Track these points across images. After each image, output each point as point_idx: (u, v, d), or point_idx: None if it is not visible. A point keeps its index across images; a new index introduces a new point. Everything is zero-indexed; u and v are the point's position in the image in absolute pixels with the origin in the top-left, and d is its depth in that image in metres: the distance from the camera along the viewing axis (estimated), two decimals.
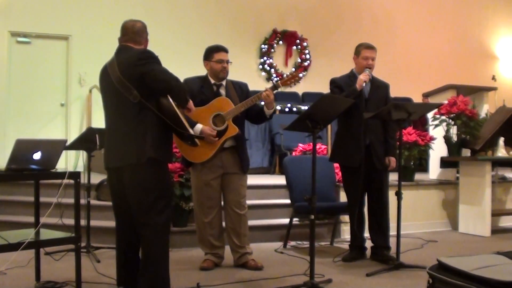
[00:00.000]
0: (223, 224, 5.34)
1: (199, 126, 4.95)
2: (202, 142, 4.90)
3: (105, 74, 4.05)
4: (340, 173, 6.81)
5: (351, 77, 5.56)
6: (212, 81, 5.18)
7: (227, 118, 4.99)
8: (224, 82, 5.21)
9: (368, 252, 5.70)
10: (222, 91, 5.18)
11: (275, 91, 5.05)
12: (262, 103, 5.10)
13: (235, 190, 5.17)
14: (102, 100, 4.16)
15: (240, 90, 5.27)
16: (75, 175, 3.89)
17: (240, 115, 5.07)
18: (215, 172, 5.10)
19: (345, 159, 5.52)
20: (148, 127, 3.89)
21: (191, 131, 4.01)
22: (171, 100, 3.94)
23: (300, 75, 12.10)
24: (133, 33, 4.10)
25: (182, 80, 5.17)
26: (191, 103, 4.20)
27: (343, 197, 6.78)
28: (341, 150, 5.56)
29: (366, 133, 5.44)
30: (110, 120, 4.10)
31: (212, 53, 5.17)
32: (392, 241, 5.46)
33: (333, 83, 5.57)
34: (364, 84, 5.38)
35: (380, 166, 5.48)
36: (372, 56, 5.52)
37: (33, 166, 3.81)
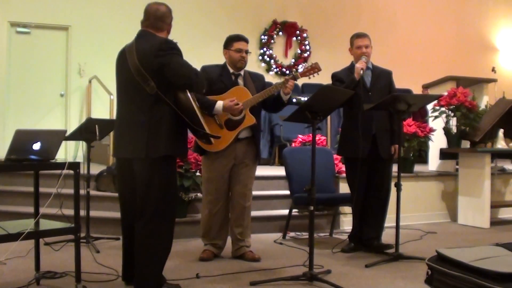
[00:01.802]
0: (227, 214, 5.31)
1: (220, 103, 4.91)
2: (219, 131, 4.92)
3: (123, 58, 3.95)
4: (339, 164, 6.83)
5: (351, 69, 5.52)
6: (231, 70, 5.17)
7: (244, 107, 4.97)
8: (242, 72, 5.20)
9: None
10: (240, 81, 5.17)
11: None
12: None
13: (242, 182, 5.16)
14: (117, 84, 4.08)
15: (257, 81, 5.27)
16: (74, 165, 3.88)
17: (256, 105, 5.06)
18: (227, 163, 5.08)
19: (352, 151, 5.41)
20: (162, 121, 3.83)
21: (207, 129, 3.94)
22: (189, 95, 3.87)
23: (300, 66, 12.09)
24: (155, 19, 4.00)
25: (199, 68, 5.21)
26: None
27: (342, 188, 6.79)
28: (347, 142, 5.50)
29: (372, 123, 5.41)
30: (123, 107, 4.03)
31: (232, 42, 5.15)
32: (391, 233, 5.47)
33: (334, 77, 5.56)
34: (361, 72, 5.33)
35: (385, 155, 5.46)
36: (365, 43, 5.49)
37: (33, 157, 3.80)
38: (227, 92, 5.02)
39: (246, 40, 5.20)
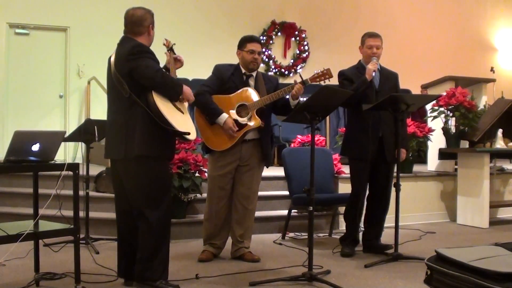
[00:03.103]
0: (230, 215, 5.28)
1: (224, 116, 4.93)
2: (223, 132, 4.94)
3: (109, 64, 4.12)
4: (338, 165, 6.82)
5: (359, 68, 5.48)
6: (243, 71, 5.16)
7: (251, 109, 4.96)
8: (254, 74, 5.18)
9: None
10: (252, 82, 5.15)
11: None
12: (287, 96, 5.07)
13: (246, 184, 5.14)
14: (107, 89, 4.29)
15: (270, 83, 5.24)
16: (73, 166, 3.89)
17: (265, 107, 5.03)
18: (230, 163, 5.08)
19: (358, 151, 5.37)
20: (137, 122, 3.96)
21: (176, 127, 3.98)
22: (155, 96, 3.95)
23: (299, 66, 12.09)
24: (131, 24, 4.10)
25: (213, 66, 5.22)
26: (187, 93, 4.18)
27: (341, 189, 6.78)
28: (353, 143, 5.43)
29: (379, 125, 5.38)
30: (109, 110, 4.21)
31: (245, 42, 5.14)
32: (391, 233, 5.46)
33: (342, 75, 5.48)
34: (373, 74, 5.30)
35: (390, 158, 5.42)
36: (376, 44, 5.43)
37: (32, 158, 3.81)
38: (235, 93, 5.03)
39: (259, 42, 5.20)
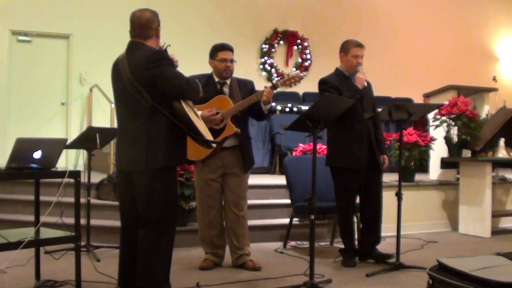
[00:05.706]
0: (224, 224, 5.31)
1: (198, 113, 4.92)
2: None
3: (117, 71, 3.92)
4: None
5: (341, 76, 5.45)
6: (216, 79, 5.15)
7: (225, 117, 4.96)
8: (228, 81, 5.16)
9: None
10: (226, 89, 5.14)
11: (274, 91, 5.01)
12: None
13: (234, 191, 5.14)
14: (114, 97, 4.06)
15: (244, 88, 5.22)
16: (75, 174, 3.89)
17: (240, 114, 5.03)
18: (215, 172, 5.08)
19: (351, 161, 5.30)
20: (160, 132, 3.80)
21: (205, 135, 3.89)
22: (183, 103, 3.83)
23: (301, 75, 12.10)
24: (139, 28, 3.92)
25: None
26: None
27: None
28: (345, 152, 5.33)
29: (369, 132, 5.36)
30: (121, 120, 4.01)
31: (216, 51, 5.12)
32: (392, 242, 5.45)
33: (327, 83, 5.37)
34: (365, 84, 5.31)
35: (380, 163, 5.43)
36: (362, 54, 5.43)
37: (33, 165, 3.81)
38: (209, 102, 5.00)
39: (230, 49, 5.14)
